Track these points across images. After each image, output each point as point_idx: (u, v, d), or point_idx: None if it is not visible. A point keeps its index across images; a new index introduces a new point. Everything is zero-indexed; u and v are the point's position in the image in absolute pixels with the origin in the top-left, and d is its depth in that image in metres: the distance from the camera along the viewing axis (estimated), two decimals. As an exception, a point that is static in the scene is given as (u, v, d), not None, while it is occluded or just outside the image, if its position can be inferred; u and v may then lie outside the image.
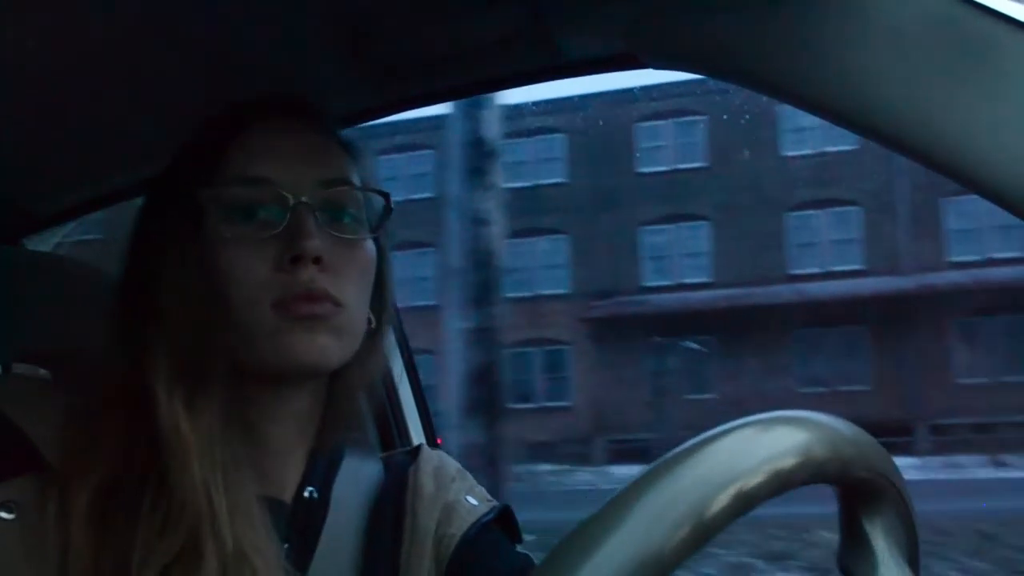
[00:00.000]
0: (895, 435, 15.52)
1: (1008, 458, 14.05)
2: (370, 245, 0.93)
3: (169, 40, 1.00)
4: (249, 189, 0.88)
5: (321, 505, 0.95)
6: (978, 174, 0.66)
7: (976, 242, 18.51)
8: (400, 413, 1.59)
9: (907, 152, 0.70)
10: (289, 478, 0.93)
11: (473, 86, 1.14)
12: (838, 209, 19.91)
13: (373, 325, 0.94)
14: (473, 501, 1.00)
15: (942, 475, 13.59)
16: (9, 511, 0.80)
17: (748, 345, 18.84)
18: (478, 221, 7.22)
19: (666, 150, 20.59)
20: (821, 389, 18.15)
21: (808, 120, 18.73)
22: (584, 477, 16.60)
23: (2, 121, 1.14)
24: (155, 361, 0.84)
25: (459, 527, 0.97)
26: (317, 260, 0.85)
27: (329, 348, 0.86)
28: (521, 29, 0.96)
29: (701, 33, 0.81)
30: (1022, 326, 17.21)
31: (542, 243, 21.10)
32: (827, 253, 19.93)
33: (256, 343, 0.85)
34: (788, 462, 0.62)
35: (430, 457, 1.03)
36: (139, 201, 1.32)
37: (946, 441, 16.71)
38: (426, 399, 1.66)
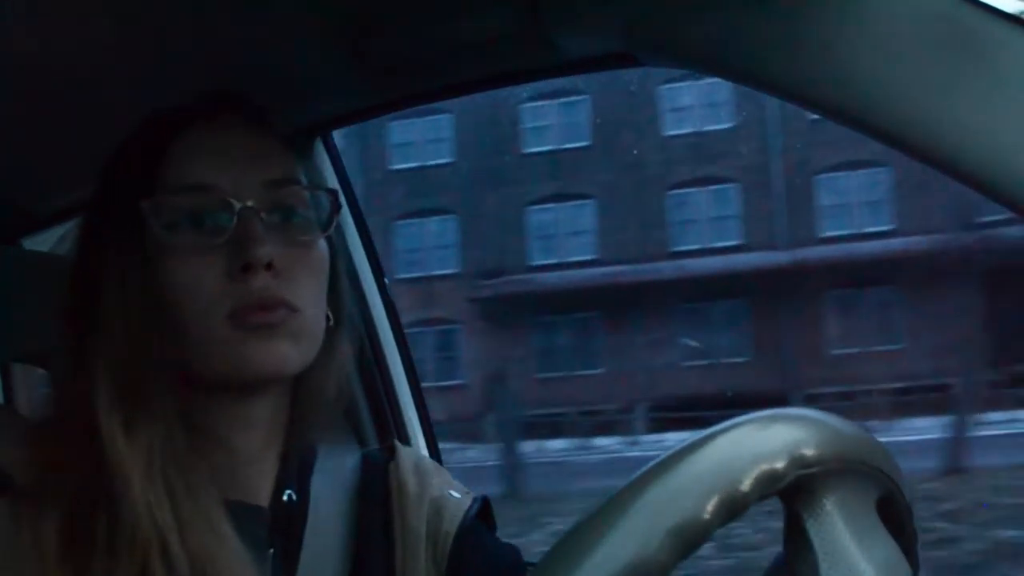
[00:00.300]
0: (773, 405, 16.04)
1: (874, 424, 14.70)
2: (322, 244, 0.90)
3: (168, 40, 0.99)
4: (192, 196, 0.84)
5: (301, 507, 0.93)
6: (976, 170, 0.66)
7: (847, 217, 19.12)
8: (397, 408, 1.59)
9: (906, 149, 0.70)
10: (263, 483, 0.91)
11: (472, 84, 1.14)
12: (717, 187, 20.30)
13: (331, 323, 0.92)
14: (456, 495, 0.99)
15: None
16: None
17: (633, 321, 19.19)
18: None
19: (551, 130, 20.75)
20: (704, 362, 18.63)
21: (687, 99, 19.14)
22: (472, 454, 16.75)
23: (2, 121, 1.14)
24: (96, 382, 0.81)
25: (451, 523, 0.96)
26: (269, 266, 0.82)
27: (288, 354, 0.84)
28: (519, 28, 0.95)
29: (699, 32, 0.80)
30: (890, 298, 17.95)
31: (431, 224, 21.08)
32: (707, 230, 20.30)
33: (212, 355, 0.82)
34: (793, 458, 0.62)
35: (408, 454, 1.02)
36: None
37: (821, 409, 17.23)
38: (423, 393, 1.65)
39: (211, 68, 1.03)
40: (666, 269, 19.46)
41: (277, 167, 0.88)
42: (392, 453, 1.02)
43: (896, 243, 17.60)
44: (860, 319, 18.14)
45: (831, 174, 19.07)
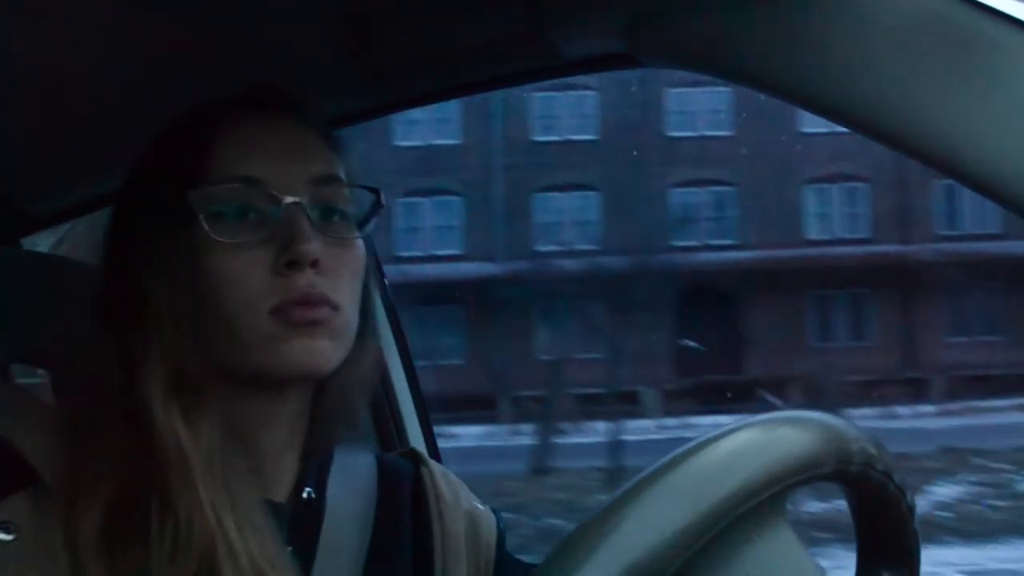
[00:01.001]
0: (483, 406, 16.90)
1: (565, 426, 14.66)
2: (360, 244, 0.88)
3: (168, 40, 0.99)
4: (239, 189, 0.82)
5: (318, 505, 0.92)
6: (973, 171, 0.65)
7: (559, 234, 20.13)
8: (397, 412, 1.59)
9: (904, 149, 0.69)
10: (283, 481, 0.90)
11: (472, 86, 1.13)
12: (441, 198, 21.01)
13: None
14: (481, 507, 1.02)
15: (514, 441, 14.62)
16: (7, 531, 0.75)
17: (355, 321, 19.24)
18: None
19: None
20: (422, 363, 18.94)
21: (418, 114, 19.68)
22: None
23: (2, 121, 1.13)
24: (150, 374, 0.79)
25: (489, 535, 0.99)
26: (314, 263, 0.81)
27: (327, 352, 0.83)
28: (519, 29, 0.94)
29: (699, 32, 0.79)
30: (593, 311, 19.13)
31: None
32: (431, 238, 20.94)
33: (254, 350, 0.81)
34: (793, 461, 0.65)
35: (433, 463, 1.03)
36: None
37: (524, 411, 17.83)
38: (424, 398, 1.65)
39: (210, 69, 1.01)
40: (389, 272, 19.67)
41: (321, 163, 0.87)
42: (416, 458, 1.03)
43: (601, 261, 18.52)
44: (566, 329, 19.15)
45: (547, 194, 20.31)
